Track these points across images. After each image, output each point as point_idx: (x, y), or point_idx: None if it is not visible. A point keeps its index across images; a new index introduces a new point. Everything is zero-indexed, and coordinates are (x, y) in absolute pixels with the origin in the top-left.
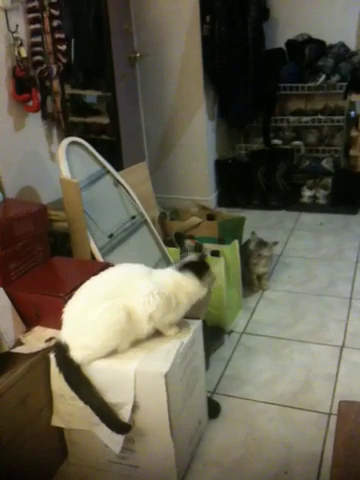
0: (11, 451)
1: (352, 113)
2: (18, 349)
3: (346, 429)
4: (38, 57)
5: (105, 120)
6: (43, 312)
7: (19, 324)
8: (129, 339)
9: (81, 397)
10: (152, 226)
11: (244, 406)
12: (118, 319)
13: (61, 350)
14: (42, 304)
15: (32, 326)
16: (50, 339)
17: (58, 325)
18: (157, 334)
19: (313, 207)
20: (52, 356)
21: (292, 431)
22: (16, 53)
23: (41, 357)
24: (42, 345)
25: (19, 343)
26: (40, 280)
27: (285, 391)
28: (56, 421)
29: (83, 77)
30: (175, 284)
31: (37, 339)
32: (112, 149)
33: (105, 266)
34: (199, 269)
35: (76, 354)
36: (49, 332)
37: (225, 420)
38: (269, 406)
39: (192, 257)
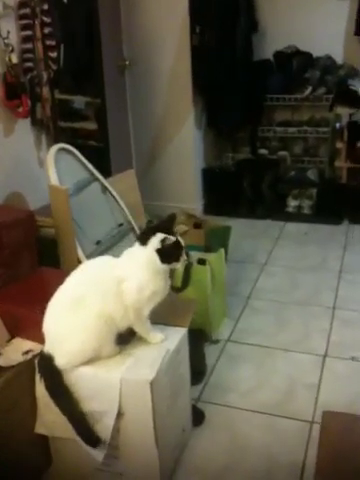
0: None
1: (338, 125)
2: None
3: (330, 439)
4: (29, 63)
5: (93, 126)
6: (21, 324)
7: (2, 332)
8: (109, 339)
9: (60, 406)
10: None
11: (228, 414)
12: (92, 321)
13: (45, 359)
14: (20, 316)
15: (12, 337)
16: (27, 352)
17: (36, 338)
18: (143, 342)
19: (298, 217)
20: (36, 363)
21: (275, 439)
22: (7, 59)
23: (24, 367)
24: (19, 358)
25: None
26: (22, 292)
27: (268, 399)
28: (39, 428)
29: (72, 83)
30: (138, 264)
31: (15, 351)
32: (99, 155)
33: None
34: (141, 236)
35: (58, 361)
36: (28, 344)
37: (209, 428)
38: (252, 414)
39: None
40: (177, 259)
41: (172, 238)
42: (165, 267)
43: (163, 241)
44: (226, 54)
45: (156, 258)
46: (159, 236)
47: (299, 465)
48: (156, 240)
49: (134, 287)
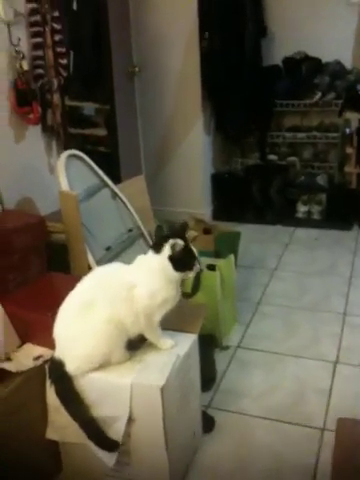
0: (3, 462)
1: (347, 130)
2: (5, 365)
3: (344, 445)
4: (39, 70)
5: (102, 132)
6: (32, 329)
7: (12, 338)
8: (119, 344)
9: (70, 412)
10: (149, 239)
11: (238, 420)
12: (101, 326)
13: (56, 364)
14: (31, 321)
15: (22, 342)
16: (38, 357)
17: (47, 343)
18: (153, 348)
19: (308, 222)
20: (47, 369)
21: (285, 445)
22: (18, 66)
23: (35, 373)
24: (30, 364)
25: (7, 359)
26: (32, 297)
27: (279, 405)
28: (50, 434)
29: (82, 89)
30: (150, 271)
31: (26, 356)
32: (109, 161)
33: None
34: (155, 244)
35: (69, 367)
36: (38, 349)
37: (219, 434)
38: (263, 420)
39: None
40: (190, 268)
41: (181, 243)
42: (178, 275)
43: (173, 246)
44: (235, 59)
45: (169, 266)
46: (171, 242)
47: (310, 472)
48: (169, 247)
49: (145, 293)
